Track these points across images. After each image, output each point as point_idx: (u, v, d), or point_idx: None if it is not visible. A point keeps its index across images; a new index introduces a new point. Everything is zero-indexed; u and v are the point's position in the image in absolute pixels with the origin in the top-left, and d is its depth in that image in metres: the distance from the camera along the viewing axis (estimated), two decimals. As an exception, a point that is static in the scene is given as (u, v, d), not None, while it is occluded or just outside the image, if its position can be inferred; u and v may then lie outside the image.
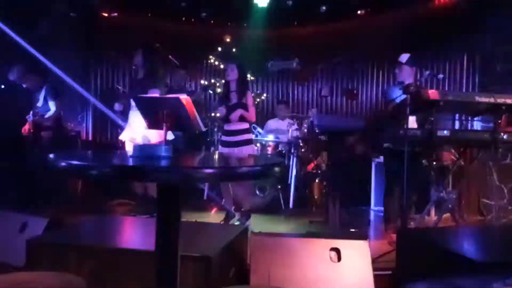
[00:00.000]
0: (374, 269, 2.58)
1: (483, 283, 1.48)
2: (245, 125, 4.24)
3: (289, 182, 5.14)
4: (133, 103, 4.51)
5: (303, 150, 5.45)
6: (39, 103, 4.87)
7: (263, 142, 5.49)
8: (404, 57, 4.06)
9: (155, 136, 4.09)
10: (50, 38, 5.57)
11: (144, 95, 3.99)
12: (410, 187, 3.36)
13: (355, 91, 7.50)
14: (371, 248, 2.68)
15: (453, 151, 4.38)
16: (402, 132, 3.33)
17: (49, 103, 4.87)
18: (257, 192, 5.09)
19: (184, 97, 1.97)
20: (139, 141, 4.35)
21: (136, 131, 4.36)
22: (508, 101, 3.29)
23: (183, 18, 7.05)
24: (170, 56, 5.88)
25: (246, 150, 4.14)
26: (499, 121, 3.43)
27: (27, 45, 4.90)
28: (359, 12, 6.83)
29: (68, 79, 5.25)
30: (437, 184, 3.77)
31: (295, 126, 5.46)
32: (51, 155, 1.35)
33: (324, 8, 6.70)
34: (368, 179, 5.39)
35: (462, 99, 3.45)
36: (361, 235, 3.04)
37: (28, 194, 4.47)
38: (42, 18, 5.65)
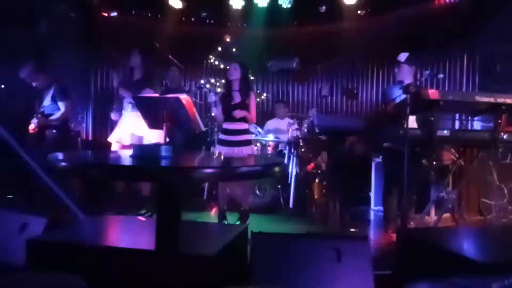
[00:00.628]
0: (374, 269, 2.58)
1: (483, 283, 1.48)
2: (245, 126, 4.24)
3: (289, 182, 5.14)
4: (126, 103, 4.53)
5: (303, 150, 5.45)
6: (46, 102, 4.85)
7: (263, 142, 5.49)
8: (403, 56, 4.07)
9: (145, 133, 4.13)
10: (49, 38, 5.56)
11: (144, 95, 4.01)
12: (410, 187, 3.36)
13: (355, 91, 7.51)
14: (371, 248, 2.68)
15: (453, 151, 4.38)
16: (402, 132, 3.33)
17: (58, 103, 4.84)
18: (257, 192, 5.08)
19: (184, 97, 1.98)
20: (127, 141, 4.36)
21: (125, 131, 4.39)
22: (508, 101, 3.29)
23: (183, 18, 7.05)
24: (170, 56, 5.87)
25: (246, 151, 4.13)
26: (499, 121, 3.42)
27: None
28: (359, 12, 6.82)
29: None
30: (437, 184, 3.77)
31: (295, 126, 5.44)
32: (51, 155, 1.35)
33: (324, 8, 6.69)
34: (368, 179, 5.40)
35: (462, 99, 3.45)
36: (361, 235, 3.05)
37: (28, 194, 4.46)
38: (42, 18, 5.65)
